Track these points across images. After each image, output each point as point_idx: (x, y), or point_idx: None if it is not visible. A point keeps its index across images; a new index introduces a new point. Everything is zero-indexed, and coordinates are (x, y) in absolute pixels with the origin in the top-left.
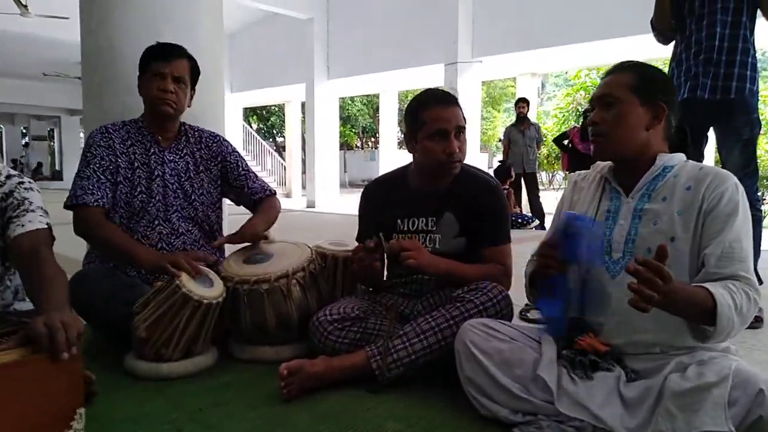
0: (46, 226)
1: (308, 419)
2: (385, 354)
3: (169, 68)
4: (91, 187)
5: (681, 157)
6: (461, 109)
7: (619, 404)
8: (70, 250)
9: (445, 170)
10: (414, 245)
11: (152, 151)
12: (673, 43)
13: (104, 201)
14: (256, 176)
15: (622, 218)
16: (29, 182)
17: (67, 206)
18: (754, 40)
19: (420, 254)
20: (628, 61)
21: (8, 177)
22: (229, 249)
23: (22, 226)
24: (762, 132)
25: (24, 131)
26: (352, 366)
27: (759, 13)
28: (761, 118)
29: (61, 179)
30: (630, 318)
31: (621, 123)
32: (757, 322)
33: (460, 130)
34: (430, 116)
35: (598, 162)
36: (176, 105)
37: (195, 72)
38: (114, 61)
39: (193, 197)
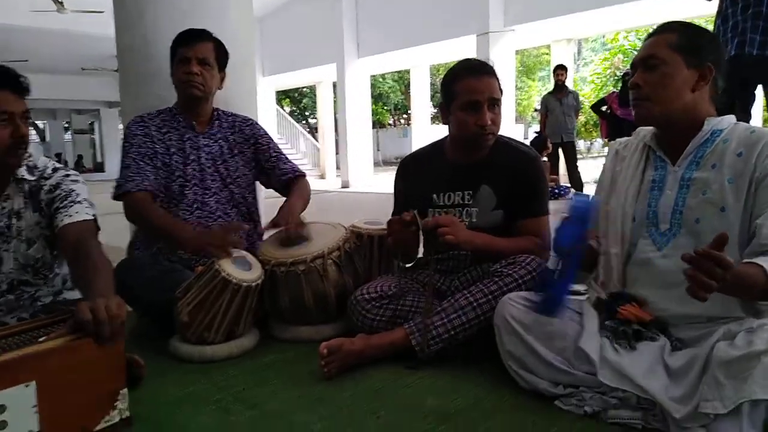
0: (92, 217)
1: (350, 396)
2: (425, 330)
3: (192, 52)
4: (131, 174)
5: (730, 119)
6: (497, 80)
7: (663, 374)
8: (116, 239)
9: (478, 142)
10: (450, 221)
11: (187, 136)
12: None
13: (146, 184)
14: (287, 158)
15: (668, 188)
16: (75, 175)
17: (114, 197)
18: None
19: (457, 230)
20: (672, 21)
21: (55, 170)
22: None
23: (69, 216)
24: None
25: (66, 126)
26: (391, 343)
27: None
28: None
29: (103, 171)
30: (676, 290)
31: (665, 84)
32: None
33: (494, 102)
34: (463, 87)
35: (640, 128)
36: (203, 87)
37: (222, 54)
38: (148, 56)
39: (228, 180)
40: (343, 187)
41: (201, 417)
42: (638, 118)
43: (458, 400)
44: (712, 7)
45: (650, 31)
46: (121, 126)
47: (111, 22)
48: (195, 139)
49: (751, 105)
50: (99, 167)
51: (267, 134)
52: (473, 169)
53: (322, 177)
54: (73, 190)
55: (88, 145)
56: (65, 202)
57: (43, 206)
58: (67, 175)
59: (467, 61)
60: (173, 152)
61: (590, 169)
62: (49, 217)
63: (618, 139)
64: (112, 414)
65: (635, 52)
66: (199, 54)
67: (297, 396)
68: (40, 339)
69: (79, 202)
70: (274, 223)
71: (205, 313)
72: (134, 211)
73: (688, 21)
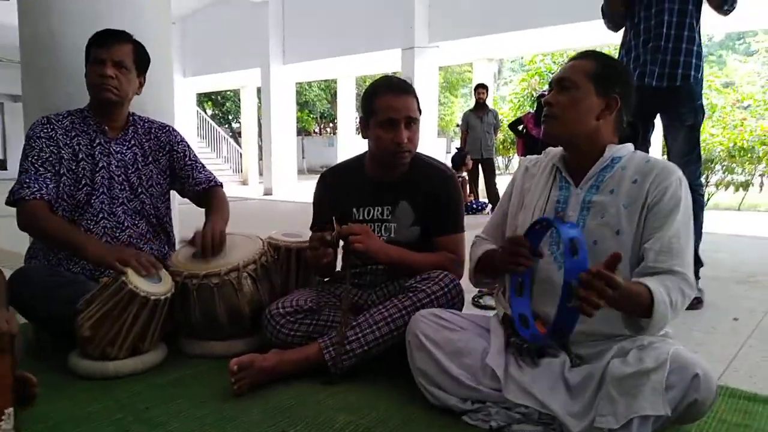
0: None
1: (260, 414)
2: (340, 344)
3: (107, 53)
4: (28, 181)
5: (629, 147)
6: (416, 100)
7: (563, 390)
8: (14, 244)
9: (394, 160)
10: (363, 230)
11: (98, 141)
12: (622, 31)
13: (43, 192)
14: (203, 167)
15: (570, 209)
16: None
17: (8, 203)
18: (699, 28)
19: (368, 239)
20: (592, 51)
21: None
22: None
23: None
24: (706, 117)
25: None
26: (305, 358)
27: (704, 1)
28: (704, 104)
29: (5, 168)
30: None
31: (573, 107)
32: (698, 304)
33: (411, 120)
34: (382, 104)
35: (550, 148)
36: (118, 91)
37: (141, 57)
38: (54, 48)
39: (139, 190)
40: (265, 194)
41: None
42: (545, 134)
43: (370, 415)
44: (618, 37)
45: (569, 55)
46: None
47: (14, 10)
48: (106, 145)
49: (650, 132)
50: (1, 165)
51: (184, 141)
52: (392, 185)
53: (244, 183)
54: None
55: None
56: None
57: None
58: None
59: (388, 78)
60: (81, 158)
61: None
62: None
63: (528, 156)
64: None
65: (550, 75)
66: (115, 56)
67: (204, 415)
68: None
69: None
70: (191, 243)
71: (109, 327)
72: (28, 220)
73: (605, 53)
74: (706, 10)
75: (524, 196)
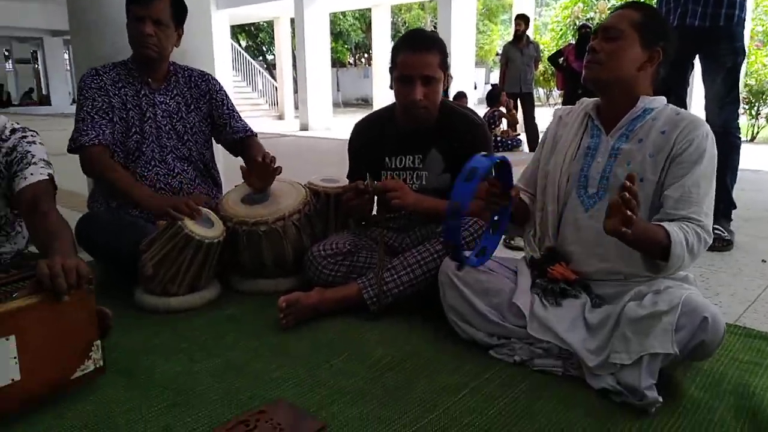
0: (47, 177)
1: (307, 347)
2: (379, 285)
3: (146, 11)
4: (85, 128)
5: (662, 100)
6: (439, 55)
7: (583, 328)
8: (72, 184)
9: (408, 115)
10: (398, 185)
11: (143, 92)
12: None
13: (101, 138)
14: (240, 116)
15: (600, 156)
16: (32, 135)
17: (69, 150)
18: None
19: (404, 194)
20: (639, 2)
21: (13, 131)
22: (226, 186)
23: (25, 179)
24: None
25: (6, 54)
26: (344, 297)
27: None
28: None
29: (50, 104)
30: (598, 248)
31: (618, 56)
32: (727, 245)
33: (429, 78)
34: (400, 60)
35: (584, 99)
36: (157, 48)
37: (178, 10)
38: (98, 2)
39: (186, 137)
40: (302, 130)
41: (168, 365)
42: (586, 78)
43: (404, 348)
44: None
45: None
46: (66, 56)
47: None
48: (151, 96)
49: (689, 73)
50: (45, 100)
51: (222, 89)
52: (422, 134)
53: (280, 117)
54: (29, 152)
55: (32, 75)
56: (21, 164)
57: (2, 168)
58: (24, 137)
59: (413, 33)
60: (129, 108)
61: (548, 118)
62: (7, 179)
63: (562, 107)
64: (87, 363)
65: (595, 2)
66: (153, 14)
67: (258, 346)
68: (14, 295)
69: (34, 163)
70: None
71: (168, 267)
72: (91, 165)
73: (651, 5)
74: None
75: (557, 143)
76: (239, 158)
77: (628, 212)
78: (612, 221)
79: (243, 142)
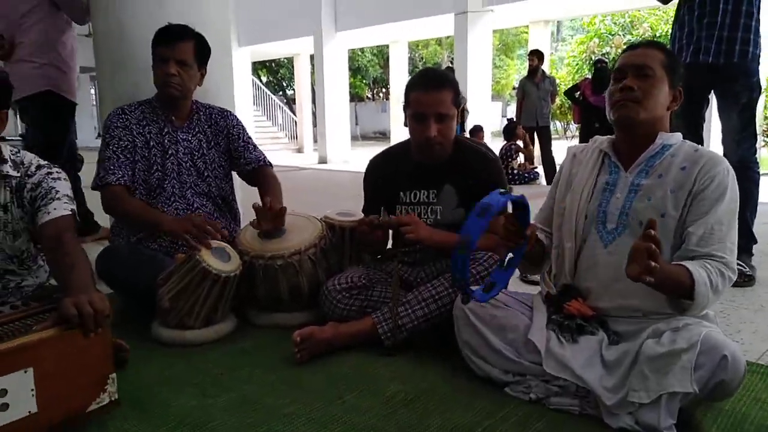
0: (69, 213)
1: (321, 381)
2: (394, 320)
3: (171, 52)
4: (111, 167)
5: (678, 136)
6: (451, 92)
7: (600, 366)
8: (101, 216)
9: (423, 151)
10: (412, 220)
11: (166, 130)
12: (675, 3)
13: (125, 179)
14: (255, 147)
15: (618, 191)
16: (57, 172)
17: (93, 188)
18: (759, 3)
19: (418, 228)
20: (657, 42)
21: (38, 168)
22: (244, 219)
23: (48, 213)
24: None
25: None
26: (359, 332)
27: None
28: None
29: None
30: (616, 283)
31: (653, 95)
32: (749, 281)
33: (442, 116)
34: (413, 98)
35: (597, 137)
36: (180, 87)
37: (202, 51)
38: (123, 41)
39: (206, 174)
40: (320, 163)
41: (182, 398)
42: (621, 118)
43: (419, 385)
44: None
45: (630, 16)
46: (93, 91)
47: None
48: (173, 134)
49: (704, 109)
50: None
51: (240, 124)
52: (436, 169)
53: (299, 151)
54: (53, 188)
55: None
56: (45, 199)
57: (26, 203)
58: (50, 173)
59: (424, 72)
60: (152, 146)
61: (565, 151)
62: (31, 214)
63: (575, 144)
64: (102, 396)
65: (611, 37)
66: (177, 55)
67: (273, 381)
68: (34, 328)
69: (58, 198)
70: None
71: (185, 300)
72: (113, 202)
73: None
74: None
75: (572, 181)
76: (255, 189)
77: (652, 263)
78: (635, 268)
79: (257, 172)
